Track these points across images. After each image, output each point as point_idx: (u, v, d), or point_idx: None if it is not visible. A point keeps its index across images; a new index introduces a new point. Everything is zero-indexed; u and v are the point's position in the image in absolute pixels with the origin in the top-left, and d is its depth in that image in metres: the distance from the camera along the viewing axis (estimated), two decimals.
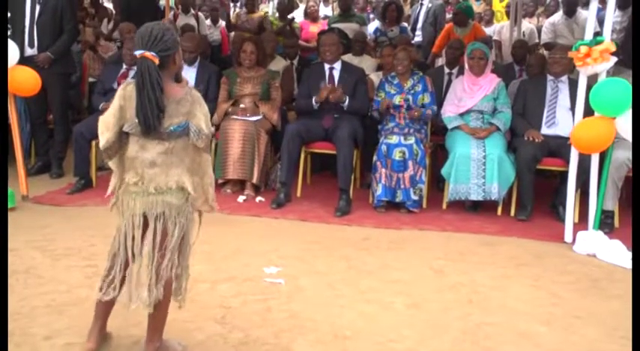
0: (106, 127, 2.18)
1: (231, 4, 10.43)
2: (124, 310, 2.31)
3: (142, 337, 2.39)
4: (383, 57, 5.32)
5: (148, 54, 2.09)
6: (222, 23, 7.63)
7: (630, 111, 3.44)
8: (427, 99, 4.58)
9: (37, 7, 4.76)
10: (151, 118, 2.09)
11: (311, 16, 7.24)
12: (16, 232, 3.62)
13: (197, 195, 2.25)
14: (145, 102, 2.08)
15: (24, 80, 4.13)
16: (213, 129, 2.28)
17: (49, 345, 2.44)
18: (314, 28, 6.93)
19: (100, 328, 2.36)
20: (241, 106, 4.74)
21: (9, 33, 4.16)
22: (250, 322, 2.68)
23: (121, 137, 2.18)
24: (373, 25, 7.25)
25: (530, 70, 4.96)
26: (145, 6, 6.40)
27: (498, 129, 4.38)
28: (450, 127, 4.48)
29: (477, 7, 10.16)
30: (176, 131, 2.15)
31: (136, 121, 2.12)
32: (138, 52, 2.10)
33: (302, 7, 8.88)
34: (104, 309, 2.34)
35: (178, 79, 2.26)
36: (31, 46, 4.75)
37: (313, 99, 4.56)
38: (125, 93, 2.16)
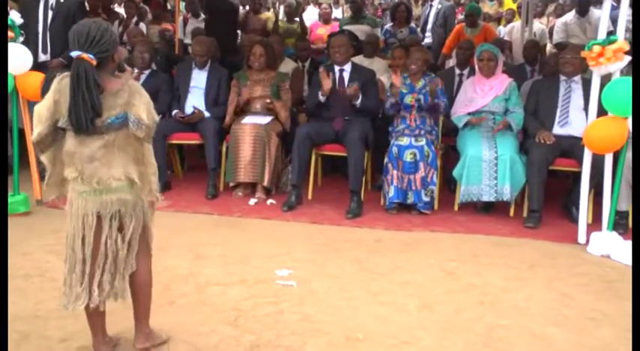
0: (38, 120, 2.15)
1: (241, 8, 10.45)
2: (131, 311, 2.34)
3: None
4: (394, 58, 5.31)
5: (85, 56, 2.06)
6: None
7: None
8: (437, 94, 4.55)
9: (50, 14, 4.81)
10: (83, 119, 2.07)
11: (323, 17, 7.25)
12: (31, 236, 3.66)
13: (142, 185, 2.24)
14: (78, 103, 2.06)
15: (37, 86, 4.18)
16: (158, 118, 2.29)
17: (65, 347, 2.47)
18: (322, 30, 6.94)
19: (102, 338, 2.37)
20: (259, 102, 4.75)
21: (22, 39, 4.20)
22: (262, 324, 2.69)
23: (56, 131, 2.17)
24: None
25: (546, 69, 4.92)
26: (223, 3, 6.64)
27: (510, 128, 4.35)
28: (460, 124, 4.45)
29: (490, 8, 10.14)
30: (115, 123, 2.14)
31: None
32: (74, 53, 2.07)
33: (308, 9, 8.88)
34: (95, 321, 2.34)
35: (121, 69, 2.25)
36: (44, 52, 4.81)
37: (319, 93, 4.54)
38: (60, 87, 2.14)
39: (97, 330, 2.36)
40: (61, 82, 2.13)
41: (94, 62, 2.07)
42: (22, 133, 4.27)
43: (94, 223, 2.18)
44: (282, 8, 8.13)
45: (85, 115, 2.07)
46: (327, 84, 4.49)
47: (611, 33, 3.69)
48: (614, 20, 3.94)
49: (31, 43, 4.58)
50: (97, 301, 2.22)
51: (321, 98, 4.55)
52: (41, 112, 2.15)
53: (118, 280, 2.25)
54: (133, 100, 2.15)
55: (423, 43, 6.83)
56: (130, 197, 2.20)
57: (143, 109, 2.16)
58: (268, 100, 4.77)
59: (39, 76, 4.20)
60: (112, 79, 2.18)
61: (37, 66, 4.39)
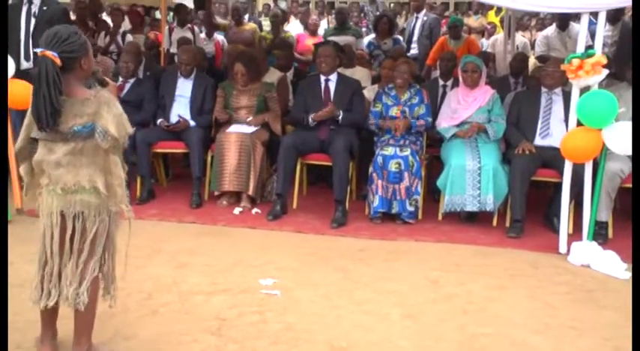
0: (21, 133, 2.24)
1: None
2: (113, 321, 2.31)
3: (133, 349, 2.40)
4: (383, 69, 5.35)
5: (48, 53, 2.11)
6: (216, 36, 7.67)
7: (616, 123, 3.51)
8: (422, 110, 4.61)
9: (32, 20, 4.78)
10: (44, 116, 2.11)
11: (310, 29, 7.28)
12: (11, 245, 3.58)
13: (110, 194, 2.26)
14: (39, 99, 2.10)
15: (20, 94, 4.12)
16: (131, 131, 2.26)
17: None
18: (310, 41, 6.98)
19: (52, 335, 2.42)
20: (248, 119, 4.77)
21: None
22: (246, 333, 2.68)
23: (33, 144, 2.24)
24: (368, 39, 7.31)
25: (531, 82, 5.00)
26: None
27: (487, 134, 4.40)
28: (447, 135, 4.49)
29: (475, 22, 10.30)
30: (82, 132, 2.18)
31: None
32: (38, 50, 2.12)
33: (293, 21, 8.94)
34: (49, 316, 2.39)
35: (103, 83, 2.30)
36: (27, 59, 4.76)
37: (310, 117, 4.57)
38: None
39: (48, 328, 2.41)
40: None
41: (58, 60, 2.10)
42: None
43: (59, 221, 2.23)
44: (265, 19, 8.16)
45: (45, 110, 2.10)
46: (323, 113, 4.51)
47: (589, 47, 3.77)
48: (592, 34, 4.03)
49: (13, 50, 4.54)
50: (66, 299, 2.25)
51: (311, 122, 4.56)
52: (23, 126, 2.22)
53: (82, 287, 2.23)
54: (101, 111, 2.17)
55: (408, 54, 6.90)
56: (93, 201, 2.23)
57: (111, 121, 2.17)
58: (251, 117, 4.78)
59: (21, 84, 4.17)
60: (82, 88, 2.21)
61: (20, 73, 4.36)
